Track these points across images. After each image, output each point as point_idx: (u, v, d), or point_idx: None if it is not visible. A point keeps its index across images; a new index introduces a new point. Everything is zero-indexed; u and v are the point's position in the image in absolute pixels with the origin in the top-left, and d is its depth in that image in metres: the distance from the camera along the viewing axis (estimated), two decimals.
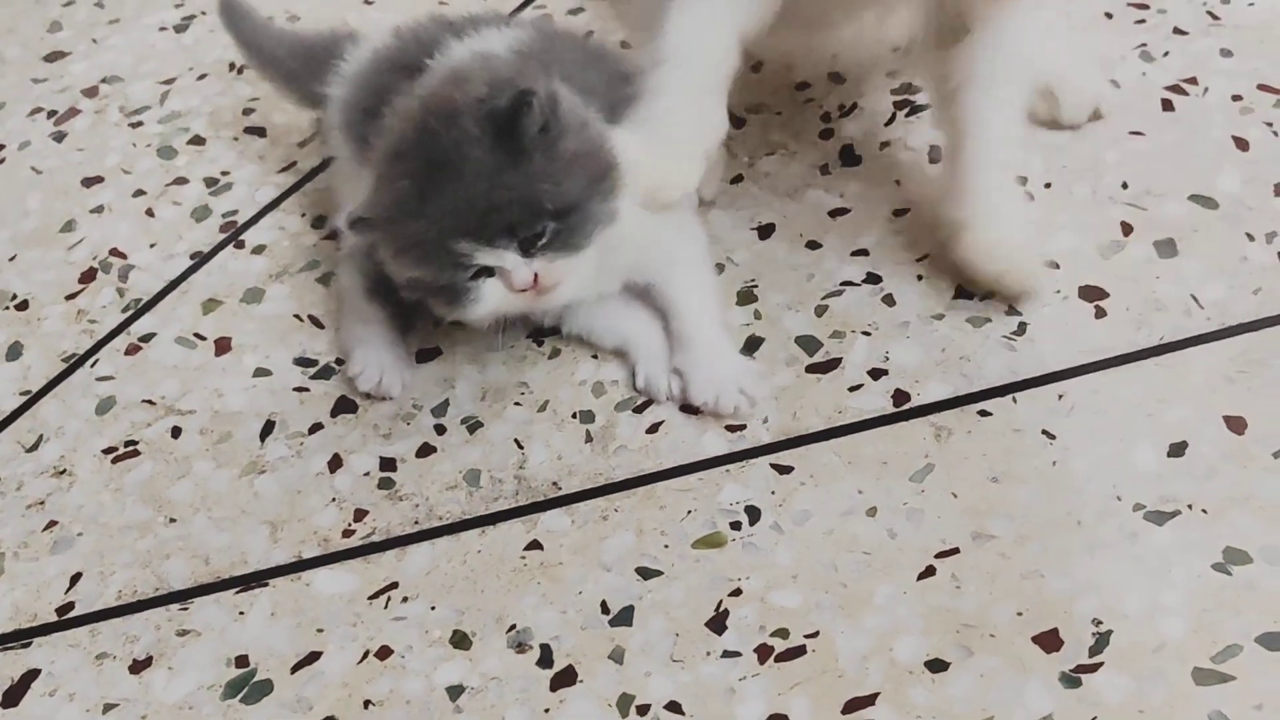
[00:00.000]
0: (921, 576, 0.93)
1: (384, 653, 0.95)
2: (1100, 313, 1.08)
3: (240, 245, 1.26)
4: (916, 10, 1.14)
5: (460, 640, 0.94)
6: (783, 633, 0.92)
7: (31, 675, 0.97)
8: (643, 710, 0.89)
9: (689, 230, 1.13)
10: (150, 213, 1.31)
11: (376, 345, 1.11)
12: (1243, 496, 0.94)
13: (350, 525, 1.02)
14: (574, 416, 1.07)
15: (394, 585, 0.98)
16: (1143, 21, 1.31)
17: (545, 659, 0.93)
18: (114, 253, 1.27)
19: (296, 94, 1.26)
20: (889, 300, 1.11)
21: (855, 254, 1.16)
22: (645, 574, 0.96)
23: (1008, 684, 0.87)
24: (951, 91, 1.10)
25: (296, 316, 1.18)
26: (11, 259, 1.28)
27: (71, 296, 1.24)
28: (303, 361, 1.15)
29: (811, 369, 1.08)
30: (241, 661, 0.96)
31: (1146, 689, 0.86)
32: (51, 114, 1.43)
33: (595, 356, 1.11)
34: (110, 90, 1.44)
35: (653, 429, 1.05)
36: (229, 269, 1.24)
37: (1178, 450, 0.98)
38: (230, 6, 1.28)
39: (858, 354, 1.08)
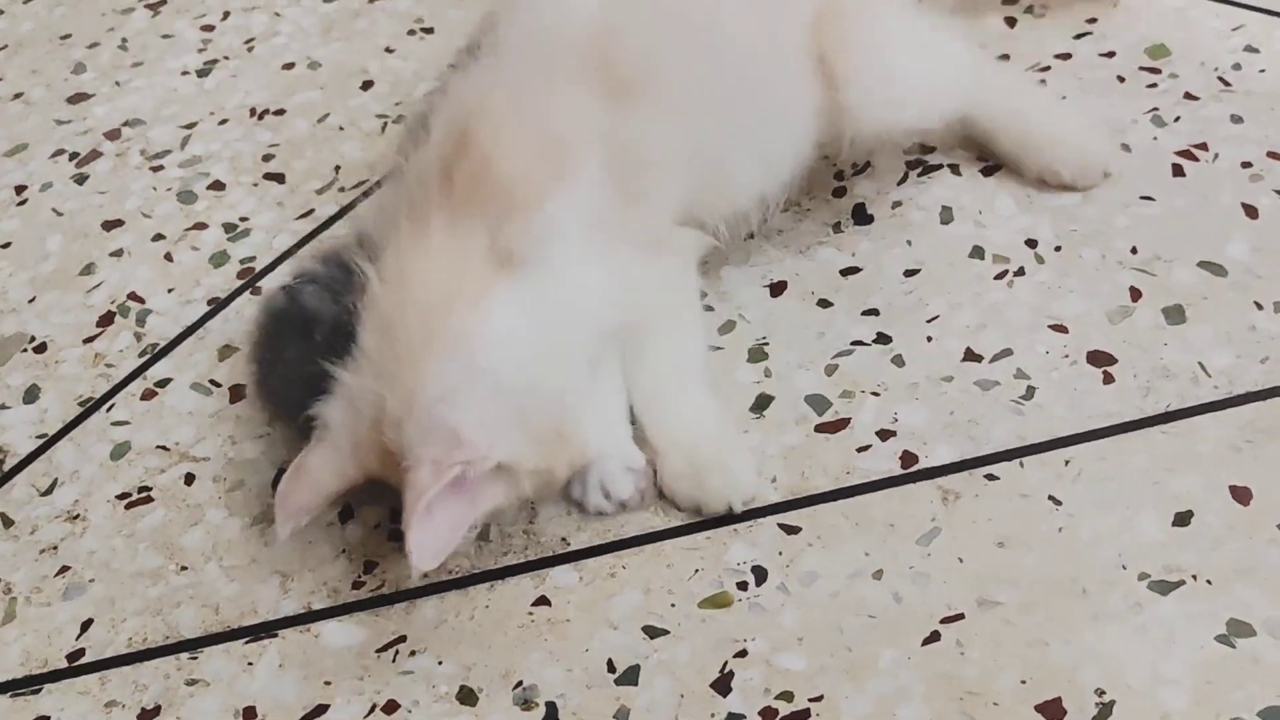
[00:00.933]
0: (926, 642, 0.94)
1: (391, 707, 0.95)
2: (1108, 378, 1.09)
3: (257, 292, 1.27)
4: None
5: (467, 696, 0.95)
6: (787, 695, 0.92)
7: None
8: None
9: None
10: (169, 257, 1.32)
11: None
12: (1247, 568, 0.95)
13: (360, 577, 1.03)
14: None
15: (402, 639, 0.99)
16: (1154, 86, 1.33)
17: (550, 717, 0.93)
18: (132, 297, 1.29)
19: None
20: (898, 361, 1.12)
21: (866, 313, 1.17)
22: (652, 633, 0.97)
23: None
24: None
25: None
26: (31, 301, 1.30)
27: (89, 340, 1.25)
28: None
29: (820, 428, 1.09)
30: (249, 713, 0.96)
31: None
32: (74, 156, 1.45)
33: None
34: (132, 133, 1.46)
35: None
36: (246, 316, 1.25)
37: (1183, 519, 0.98)
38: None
39: (867, 414, 1.09)
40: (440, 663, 0.97)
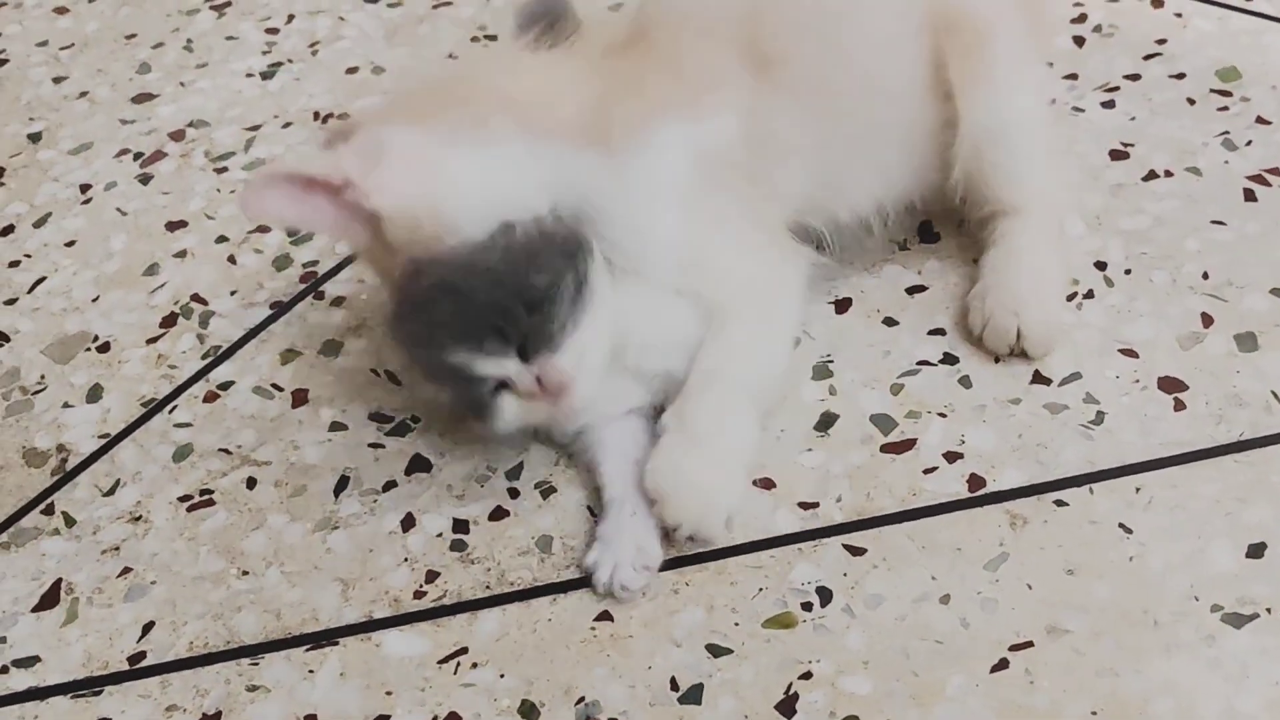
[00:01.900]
0: (995, 669, 0.93)
1: (452, 719, 0.95)
2: (1179, 405, 1.07)
3: (320, 296, 1.27)
4: None
5: (529, 711, 0.95)
6: None
7: None
8: None
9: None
10: (232, 259, 1.32)
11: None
12: None
13: (422, 586, 1.03)
14: None
15: (464, 650, 0.99)
16: (1225, 109, 1.31)
17: None
18: (195, 298, 1.29)
19: None
20: (965, 382, 1.11)
21: (932, 333, 1.16)
22: (715, 651, 0.96)
23: None
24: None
25: (374, 371, 1.19)
26: (94, 300, 1.30)
27: (152, 340, 1.25)
28: (378, 417, 1.15)
29: (886, 448, 1.08)
30: None
31: None
32: (138, 156, 1.45)
33: None
34: (196, 134, 1.47)
35: None
36: (308, 320, 1.25)
37: (1257, 551, 0.97)
38: None
39: (933, 435, 1.08)
40: (502, 676, 0.97)
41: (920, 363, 1.13)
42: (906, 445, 1.08)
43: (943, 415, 1.09)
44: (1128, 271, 1.18)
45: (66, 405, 1.21)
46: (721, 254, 1.06)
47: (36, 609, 1.06)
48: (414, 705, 0.96)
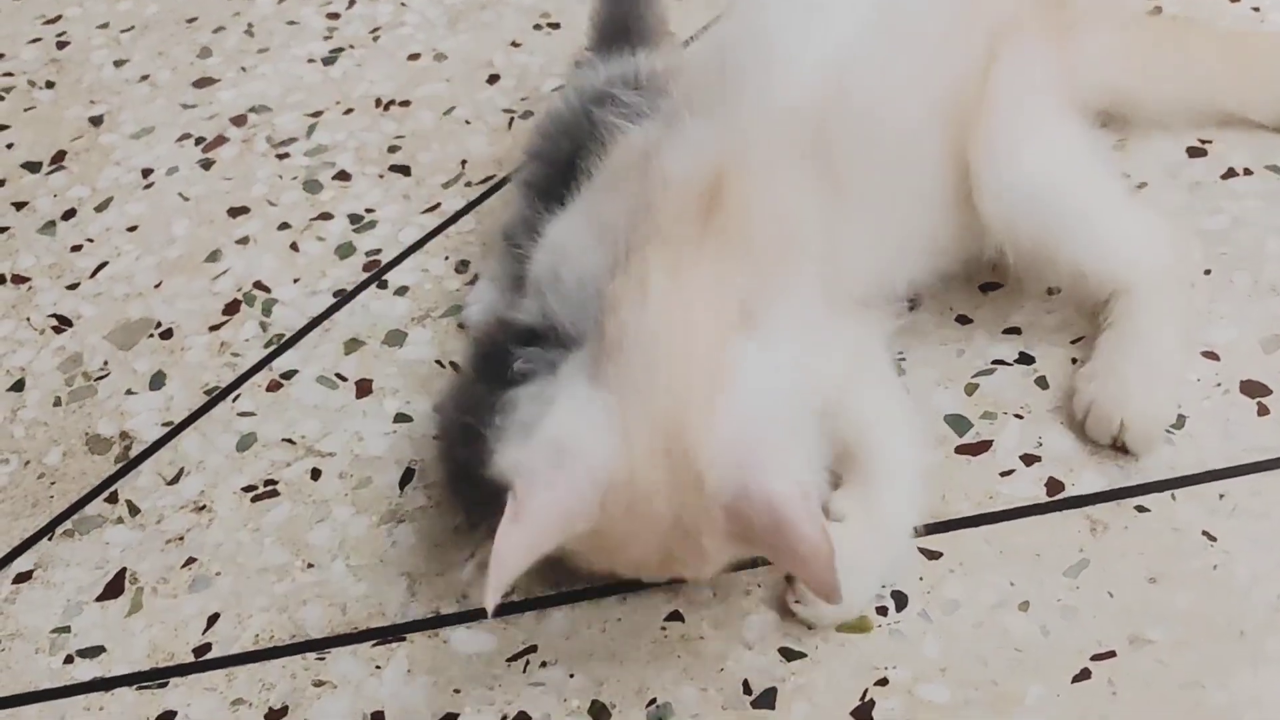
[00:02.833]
0: (1076, 679, 0.91)
1: (522, 718, 0.94)
2: (1263, 410, 1.05)
3: (383, 285, 1.26)
4: None
5: (599, 711, 0.93)
6: None
7: (168, 717, 0.97)
8: None
9: None
10: (295, 247, 1.31)
11: None
12: None
13: None
14: None
15: (533, 649, 0.97)
16: None
17: None
18: (258, 285, 1.28)
19: None
20: (1042, 383, 1.09)
21: (1007, 332, 1.13)
22: (788, 655, 0.95)
23: None
24: None
25: (438, 362, 1.18)
26: (157, 285, 1.29)
27: (215, 328, 1.25)
28: None
29: (961, 450, 1.06)
30: (377, 718, 0.95)
31: None
32: (200, 141, 1.44)
33: None
34: (258, 120, 1.45)
35: None
36: (371, 309, 1.24)
37: None
38: None
39: (1009, 437, 1.06)
40: (572, 675, 0.96)
41: (995, 362, 1.11)
42: (982, 447, 1.05)
43: (1019, 416, 1.07)
44: (1207, 272, 1.15)
45: (130, 392, 1.20)
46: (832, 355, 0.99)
47: (101, 598, 1.05)
48: (483, 704, 0.95)
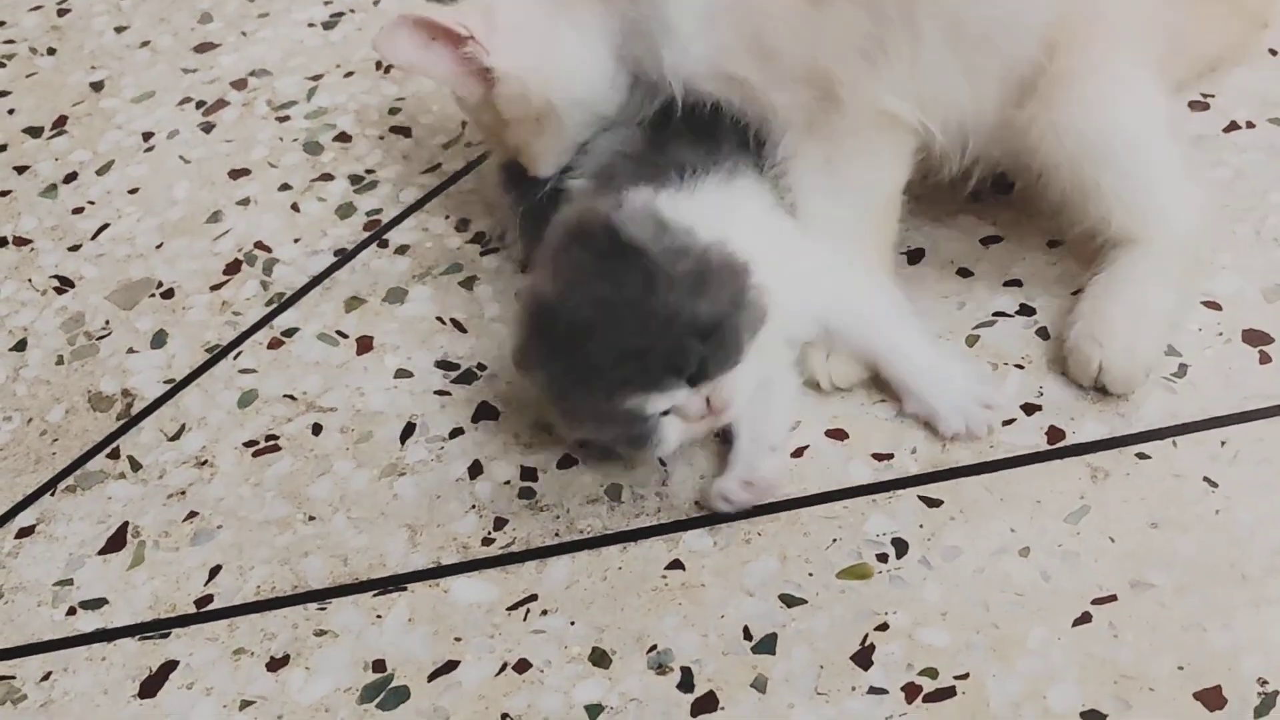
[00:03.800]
0: (1077, 623, 0.91)
1: (522, 666, 0.94)
2: (1264, 358, 1.05)
3: (384, 244, 1.26)
4: None
5: (600, 658, 0.93)
6: (931, 672, 0.90)
7: (170, 666, 0.97)
8: None
9: (848, 279, 1.07)
10: (295, 207, 1.31)
11: None
12: None
13: (490, 534, 1.02)
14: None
15: (533, 597, 0.97)
16: None
17: (686, 683, 0.91)
18: (259, 245, 1.28)
19: None
20: (1043, 333, 1.09)
21: (1008, 284, 1.13)
22: (789, 601, 0.95)
23: None
24: None
25: (439, 319, 1.18)
26: (158, 246, 1.29)
27: (216, 287, 1.25)
28: (444, 365, 1.14)
29: None
30: (379, 666, 0.95)
31: None
32: (200, 104, 1.44)
33: None
34: (258, 83, 1.45)
35: (798, 453, 1.04)
36: (372, 268, 1.24)
37: None
38: None
39: (1010, 387, 1.06)
40: (572, 623, 0.96)
41: (996, 314, 1.11)
42: None
43: (1020, 367, 1.07)
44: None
45: (131, 351, 1.20)
46: None
47: (103, 551, 1.05)
48: (483, 652, 0.95)
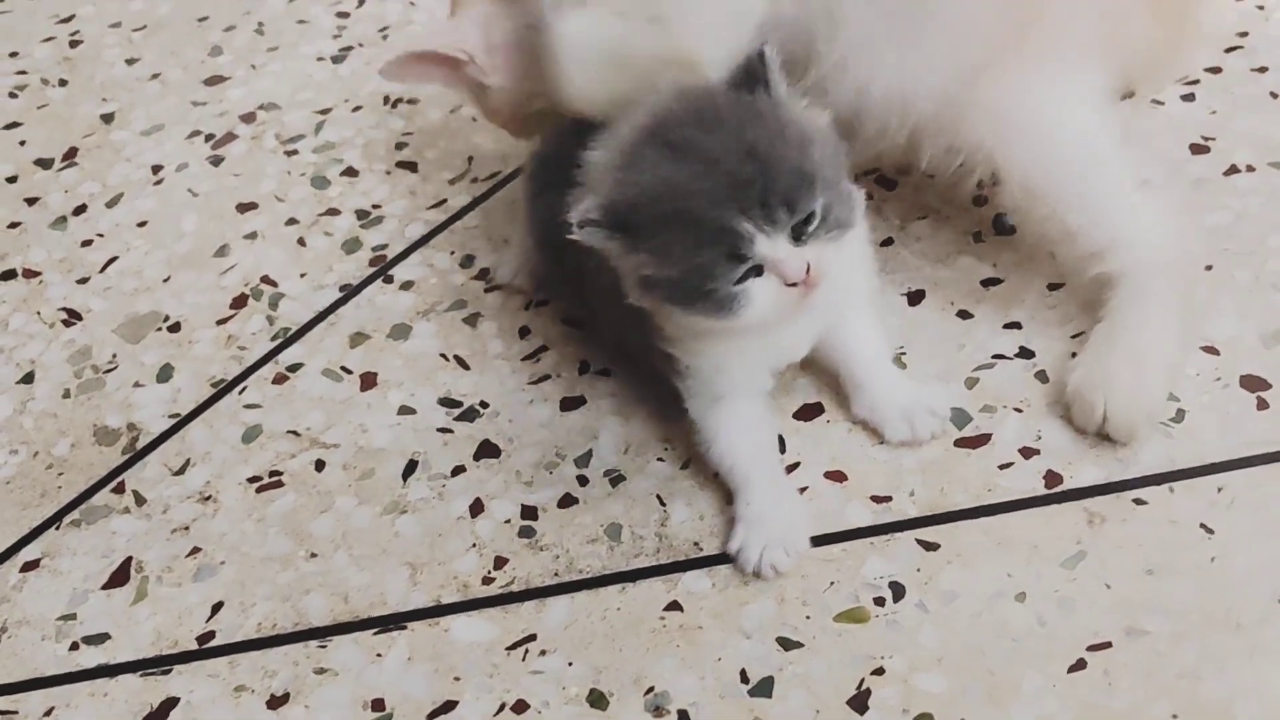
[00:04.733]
0: (1072, 669, 0.91)
1: (520, 706, 0.94)
2: (1262, 404, 1.05)
3: (389, 280, 1.27)
4: None
5: (597, 700, 0.94)
6: (927, 717, 0.90)
7: (171, 703, 0.98)
8: None
9: (865, 265, 1.08)
10: (302, 242, 1.32)
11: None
12: None
13: (490, 573, 1.03)
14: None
15: (532, 637, 0.98)
16: None
17: None
18: (265, 280, 1.29)
19: None
20: (1042, 377, 1.10)
21: (1008, 326, 1.14)
22: (786, 644, 0.95)
23: None
24: None
25: (443, 356, 1.19)
26: (165, 280, 1.30)
27: (222, 321, 1.26)
28: (447, 402, 1.15)
29: (960, 443, 1.06)
30: (378, 705, 0.96)
31: None
32: (209, 137, 1.45)
33: None
34: (267, 117, 1.47)
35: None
36: (377, 303, 1.25)
37: None
38: None
39: (1009, 431, 1.06)
40: (570, 664, 0.96)
41: (995, 356, 1.12)
42: (981, 440, 1.06)
43: (1019, 410, 1.07)
44: (1209, 268, 1.15)
45: (137, 384, 1.21)
46: None
47: (107, 586, 1.06)
48: (482, 692, 0.95)
